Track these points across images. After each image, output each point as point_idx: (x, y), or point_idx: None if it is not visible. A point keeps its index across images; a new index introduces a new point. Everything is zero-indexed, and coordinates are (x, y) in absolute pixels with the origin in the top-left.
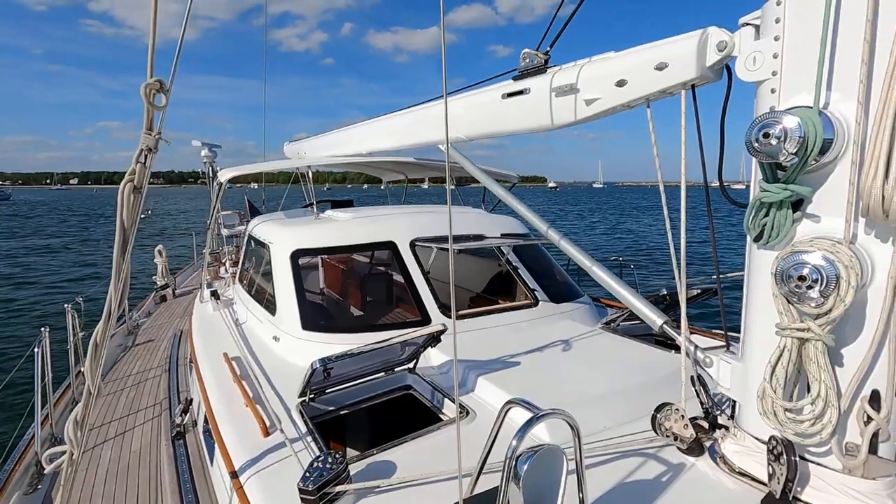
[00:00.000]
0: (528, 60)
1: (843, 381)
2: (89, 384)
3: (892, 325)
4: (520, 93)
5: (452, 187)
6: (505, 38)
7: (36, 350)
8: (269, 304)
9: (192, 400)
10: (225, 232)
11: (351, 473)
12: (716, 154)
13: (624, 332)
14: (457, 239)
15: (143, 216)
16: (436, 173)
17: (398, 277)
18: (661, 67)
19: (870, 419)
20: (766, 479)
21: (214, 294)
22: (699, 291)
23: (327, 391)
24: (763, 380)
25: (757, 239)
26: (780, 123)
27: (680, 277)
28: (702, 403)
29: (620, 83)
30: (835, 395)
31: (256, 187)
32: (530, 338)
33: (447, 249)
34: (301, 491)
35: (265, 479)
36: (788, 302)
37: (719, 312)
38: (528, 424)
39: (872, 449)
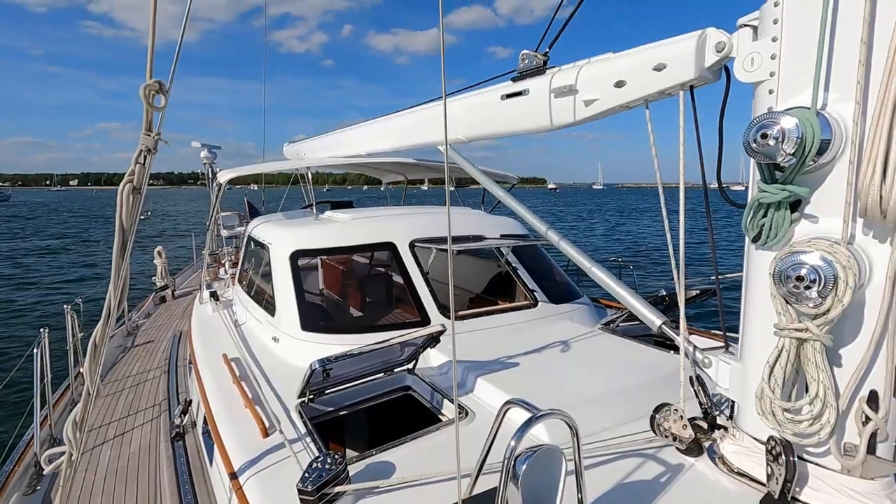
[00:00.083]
0: (527, 62)
1: (842, 382)
2: (88, 385)
3: (890, 326)
4: (519, 94)
5: (452, 188)
6: (504, 40)
7: (35, 351)
8: (269, 304)
9: (191, 401)
10: (224, 233)
11: (350, 474)
12: (715, 155)
13: (623, 332)
14: (456, 240)
15: (142, 217)
16: (435, 174)
17: (397, 278)
18: (659, 68)
19: (868, 419)
20: (764, 480)
21: (214, 295)
22: (698, 292)
23: (326, 392)
24: (761, 380)
25: (755, 239)
26: (777, 124)
27: (678, 278)
28: (701, 404)
29: (619, 84)
30: (833, 396)
31: (256, 188)
32: (530, 338)
33: (447, 250)
34: (300, 492)
35: (264, 480)
36: (787, 302)
37: (718, 313)
38: (527, 425)
39: (871, 449)
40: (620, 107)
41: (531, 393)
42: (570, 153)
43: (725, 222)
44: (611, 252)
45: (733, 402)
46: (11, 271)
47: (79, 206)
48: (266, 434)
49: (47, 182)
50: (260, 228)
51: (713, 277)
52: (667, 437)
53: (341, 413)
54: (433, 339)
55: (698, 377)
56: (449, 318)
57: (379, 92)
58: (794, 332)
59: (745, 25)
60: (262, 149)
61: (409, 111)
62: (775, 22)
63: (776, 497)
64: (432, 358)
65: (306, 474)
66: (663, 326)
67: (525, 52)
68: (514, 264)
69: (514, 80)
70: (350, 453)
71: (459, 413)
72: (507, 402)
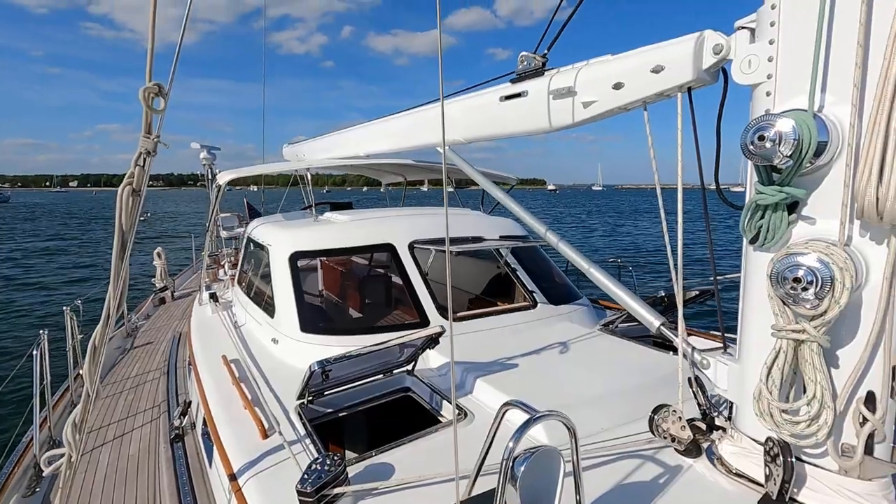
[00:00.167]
0: (525, 63)
1: (839, 383)
2: (88, 387)
3: (887, 327)
4: (518, 95)
5: (451, 189)
6: (504, 41)
7: (35, 352)
8: (268, 306)
9: (190, 402)
10: (224, 234)
11: (349, 475)
12: (713, 157)
13: (622, 333)
14: (455, 241)
15: (142, 219)
16: (435, 175)
17: (397, 279)
18: (657, 70)
19: (865, 420)
20: (762, 481)
21: (213, 296)
22: (697, 293)
23: (326, 393)
24: (759, 381)
25: (753, 241)
26: (774, 126)
27: (677, 279)
28: (699, 405)
29: (617, 86)
30: (830, 397)
31: (255, 190)
32: (529, 339)
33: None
34: (299, 493)
35: (263, 482)
36: (784, 303)
37: (717, 313)
38: (525, 426)
39: (868, 450)
40: (619, 108)
41: (530, 394)
42: (569, 154)
43: (725, 223)
44: (610, 253)
45: (731, 403)
46: (11, 272)
47: (78, 207)
48: (265, 435)
49: (47, 183)
50: (259, 230)
51: (712, 278)
52: (665, 438)
53: (340, 414)
54: (432, 341)
55: (697, 378)
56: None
57: (378, 93)
58: (792, 334)
59: (743, 28)
60: (262, 150)
61: (408, 112)
62: (772, 24)
63: (774, 498)
64: (431, 359)
65: (305, 475)
66: (662, 327)
67: (524, 53)
68: (513, 265)
69: (513, 81)
70: (349, 455)
71: (458, 414)
72: (506, 404)
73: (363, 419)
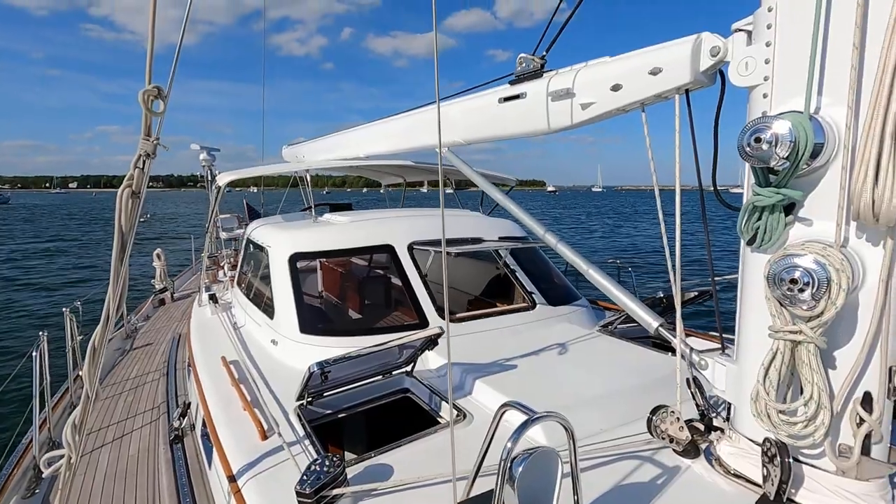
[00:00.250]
0: (524, 65)
1: (836, 384)
2: (87, 388)
3: (883, 328)
4: (516, 97)
5: (451, 190)
6: (504, 43)
7: (34, 354)
8: (268, 307)
9: (190, 403)
10: (223, 235)
11: (348, 476)
12: (711, 158)
13: (621, 334)
14: (455, 242)
15: (142, 220)
16: (434, 177)
17: (396, 281)
18: (655, 72)
19: (862, 421)
20: (760, 481)
21: (213, 297)
22: (695, 294)
23: (325, 395)
24: (756, 382)
25: (750, 242)
26: (771, 128)
27: (675, 280)
28: (697, 406)
29: (616, 87)
30: (827, 398)
31: (255, 191)
32: (528, 341)
33: (446, 252)
34: (298, 494)
35: (263, 483)
36: (781, 305)
37: (717, 314)
38: (523, 427)
39: (865, 450)
40: (617, 110)
41: (529, 395)
42: (569, 156)
43: (724, 225)
44: (609, 254)
45: (729, 403)
46: (11, 273)
47: (78, 208)
48: (265, 437)
49: (47, 184)
50: (259, 231)
51: (710, 279)
52: (664, 438)
53: (340, 416)
54: (431, 342)
55: (695, 379)
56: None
57: (378, 95)
58: (789, 335)
59: (740, 30)
60: (262, 151)
61: (407, 114)
62: (769, 27)
63: (772, 498)
64: (430, 360)
65: (304, 477)
66: (660, 328)
67: (522, 55)
68: (512, 266)
69: (512, 83)
70: (348, 456)
71: (457, 415)
72: (504, 405)
73: (362, 420)
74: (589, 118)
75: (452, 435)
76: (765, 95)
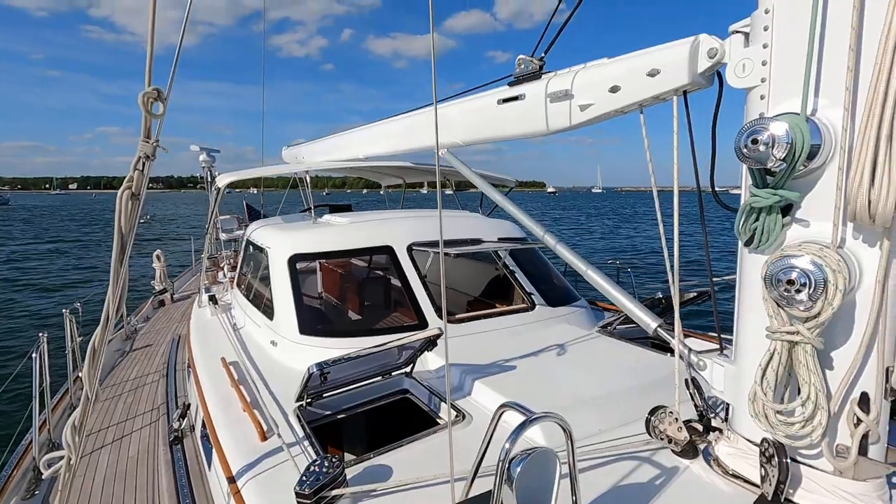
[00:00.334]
0: (523, 66)
1: (833, 384)
2: (87, 389)
3: (880, 328)
4: (515, 98)
5: (450, 192)
6: (504, 44)
7: (34, 355)
8: (267, 308)
9: (189, 405)
10: (223, 236)
11: (347, 477)
12: (710, 159)
13: (620, 335)
14: (454, 243)
15: (142, 221)
16: (433, 177)
17: (395, 282)
18: (653, 74)
19: (859, 421)
20: (758, 482)
21: (212, 299)
22: (694, 295)
23: (324, 395)
24: (754, 382)
25: (748, 243)
26: (768, 130)
27: (673, 281)
28: (696, 406)
29: (614, 89)
30: (824, 398)
31: (255, 192)
32: (527, 341)
33: (445, 253)
34: (298, 495)
35: (262, 484)
36: (778, 305)
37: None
38: (521, 427)
39: (862, 451)
40: (615, 111)
41: (528, 396)
42: (568, 157)
43: (723, 226)
44: (609, 255)
45: (728, 404)
46: (11, 274)
47: (78, 209)
48: (264, 438)
49: (46, 186)
50: (258, 232)
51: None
52: (662, 439)
53: (339, 416)
54: (430, 343)
55: (693, 379)
56: (447, 321)
57: (378, 96)
58: (786, 335)
59: (737, 32)
60: (262, 153)
61: (406, 115)
62: (766, 29)
63: (769, 498)
64: (430, 361)
65: (304, 478)
66: (659, 329)
67: (521, 56)
68: (511, 267)
69: (511, 84)
70: (348, 457)
71: (456, 416)
72: (503, 405)
73: (362, 421)
74: (587, 119)
75: (451, 436)
76: (762, 97)
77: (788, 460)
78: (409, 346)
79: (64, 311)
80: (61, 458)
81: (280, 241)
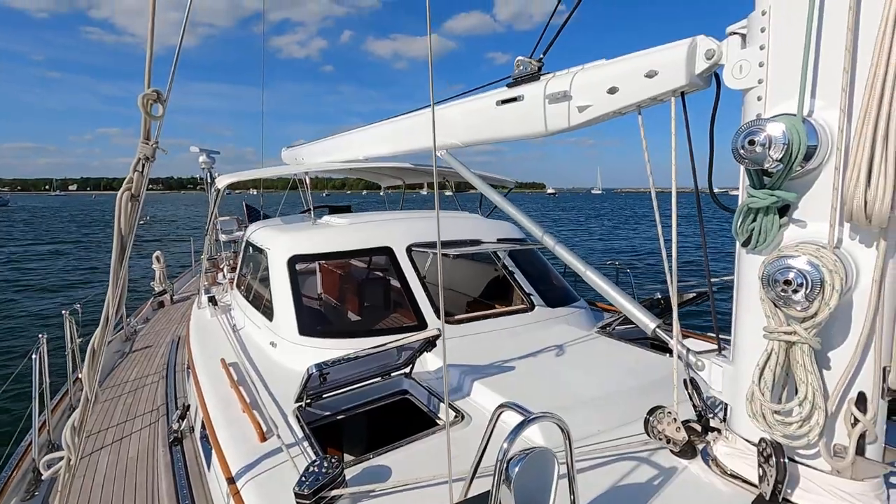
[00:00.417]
0: (521, 68)
1: (830, 384)
2: (87, 390)
3: (876, 328)
4: (514, 99)
5: (450, 193)
6: (504, 45)
7: (34, 356)
8: (267, 309)
9: (189, 405)
10: (223, 237)
11: (347, 478)
12: (708, 160)
13: (619, 336)
14: (453, 244)
15: (141, 223)
16: (433, 178)
17: (395, 282)
18: (651, 75)
19: (857, 421)
20: (756, 481)
21: (212, 300)
22: (693, 295)
23: (324, 396)
24: (752, 382)
25: (745, 244)
26: (764, 131)
27: (671, 282)
28: (694, 406)
29: (612, 90)
30: (822, 398)
31: (255, 193)
32: (526, 342)
33: (444, 254)
34: (297, 495)
35: (262, 485)
36: (775, 306)
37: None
38: (519, 427)
39: (859, 450)
40: (614, 113)
41: (527, 396)
42: (568, 158)
43: (720, 227)
44: (608, 255)
45: (726, 404)
46: (10, 275)
47: (78, 211)
48: (264, 438)
49: (46, 187)
50: (258, 233)
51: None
52: (661, 439)
53: (338, 417)
54: (429, 343)
55: (692, 380)
56: (446, 322)
57: (378, 97)
58: (783, 336)
59: (734, 33)
60: (261, 154)
61: (406, 116)
62: (763, 30)
63: (767, 498)
64: (429, 362)
65: (303, 478)
66: (657, 330)
67: (520, 58)
68: (510, 268)
69: (510, 85)
70: (347, 457)
71: (456, 416)
72: (501, 406)
73: (361, 422)
74: (586, 120)
75: (448, 436)
76: (759, 98)
77: (786, 460)
78: (408, 346)
79: (64, 311)
80: (61, 458)
81: (280, 242)
